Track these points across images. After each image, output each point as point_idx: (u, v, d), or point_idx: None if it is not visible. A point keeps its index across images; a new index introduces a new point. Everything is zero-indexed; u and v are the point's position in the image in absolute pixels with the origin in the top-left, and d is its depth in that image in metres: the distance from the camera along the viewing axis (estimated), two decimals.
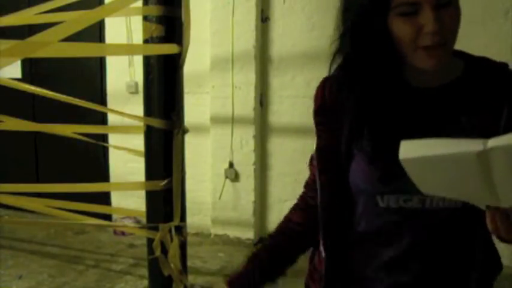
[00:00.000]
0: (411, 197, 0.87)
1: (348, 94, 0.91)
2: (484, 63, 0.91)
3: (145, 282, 2.78)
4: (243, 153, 3.77)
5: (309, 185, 1.06)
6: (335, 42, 0.90)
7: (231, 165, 3.80)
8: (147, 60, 2.28)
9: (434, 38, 0.79)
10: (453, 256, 0.92)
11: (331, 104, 0.95)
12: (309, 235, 1.04)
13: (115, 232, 3.96)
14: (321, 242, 0.99)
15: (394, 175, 0.86)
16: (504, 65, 0.90)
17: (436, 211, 0.87)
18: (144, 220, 2.49)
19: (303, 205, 1.07)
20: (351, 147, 0.92)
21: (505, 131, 0.70)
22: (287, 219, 1.08)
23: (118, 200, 4.23)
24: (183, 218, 2.37)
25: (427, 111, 0.89)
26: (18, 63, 4.33)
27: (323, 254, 0.99)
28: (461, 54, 0.92)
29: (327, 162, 0.96)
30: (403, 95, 0.89)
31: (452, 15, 0.82)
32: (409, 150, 0.68)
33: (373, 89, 0.88)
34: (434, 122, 0.88)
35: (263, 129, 3.81)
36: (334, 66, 0.92)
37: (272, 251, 1.07)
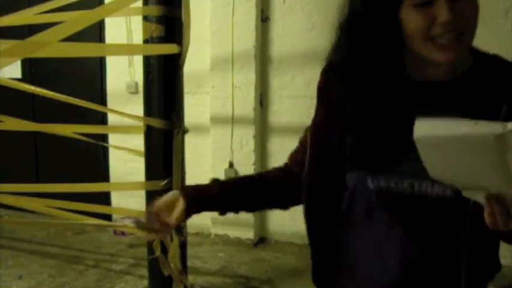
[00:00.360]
0: (402, 180, 0.87)
1: (347, 84, 0.91)
2: (493, 60, 0.90)
3: (145, 282, 2.79)
4: (243, 153, 3.77)
5: (293, 157, 1.09)
6: (336, 32, 0.90)
7: (231, 165, 3.80)
8: (147, 60, 2.28)
9: (447, 28, 0.79)
10: (442, 247, 0.91)
11: (332, 85, 0.96)
12: (279, 190, 1.06)
13: (115, 232, 3.96)
14: (305, 224, 1.00)
15: (386, 160, 0.87)
16: (511, 64, 0.89)
17: (426, 199, 0.87)
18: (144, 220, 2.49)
19: (285, 168, 1.10)
20: (345, 132, 0.93)
21: None
22: (265, 171, 1.12)
23: (118, 200, 4.22)
24: None
25: (425, 105, 0.88)
26: (18, 63, 4.32)
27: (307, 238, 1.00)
28: (472, 51, 0.91)
29: (320, 139, 0.97)
30: (402, 87, 0.89)
31: (470, 7, 0.81)
32: (424, 129, 0.66)
33: (372, 79, 0.88)
34: (432, 116, 0.88)
35: (263, 129, 3.80)
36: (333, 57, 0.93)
37: (238, 182, 1.09)
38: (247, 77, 3.67)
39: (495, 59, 0.90)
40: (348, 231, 0.97)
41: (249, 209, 1.13)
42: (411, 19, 0.81)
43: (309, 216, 1.00)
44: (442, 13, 0.78)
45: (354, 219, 0.95)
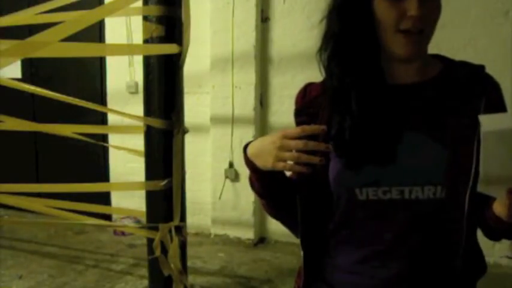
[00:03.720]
0: (390, 188, 0.88)
1: (330, 90, 0.95)
2: (461, 64, 0.96)
3: (145, 282, 2.79)
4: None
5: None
6: (322, 23, 0.97)
7: (231, 165, 3.80)
8: (147, 60, 2.28)
9: (415, 22, 0.85)
10: (436, 250, 0.91)
11: (310, 106, 1.01)
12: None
13: (115, 232, 3.96)
14: (300, 240, 1.00)
15: (369, 166, 0.88)
16: (480, 67, 0.95)
17: (417, 203, 0.88)
18: (144, 220, 2.50)
19: None
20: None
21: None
22: None
23: (118, 200, 4.22)
24: (183, 218, 2.37)
25: (401, 107, 0.91)
26: (18, 63, 4.33)
27: (301, 251, 1.00)
28: (441, 58, 0.97)
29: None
30: (380, 91, 0.91)
31: (435, 7, 0.88)
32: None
33: (353, 83, 0.91)
34: (408, 118, 0.90)
35: (263, 129, 3.81)
36: (324, 51, 0.99)
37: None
38: (247, 77, 3.67)
39: (463, 63, 0.96)
40: (340, 245, 0.97)
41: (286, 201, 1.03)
42: (383, 10, 0.86)
43: (304, 234, 0.99)
44: (412, 8, 0.84)
45: (346, 233, 0.95)
